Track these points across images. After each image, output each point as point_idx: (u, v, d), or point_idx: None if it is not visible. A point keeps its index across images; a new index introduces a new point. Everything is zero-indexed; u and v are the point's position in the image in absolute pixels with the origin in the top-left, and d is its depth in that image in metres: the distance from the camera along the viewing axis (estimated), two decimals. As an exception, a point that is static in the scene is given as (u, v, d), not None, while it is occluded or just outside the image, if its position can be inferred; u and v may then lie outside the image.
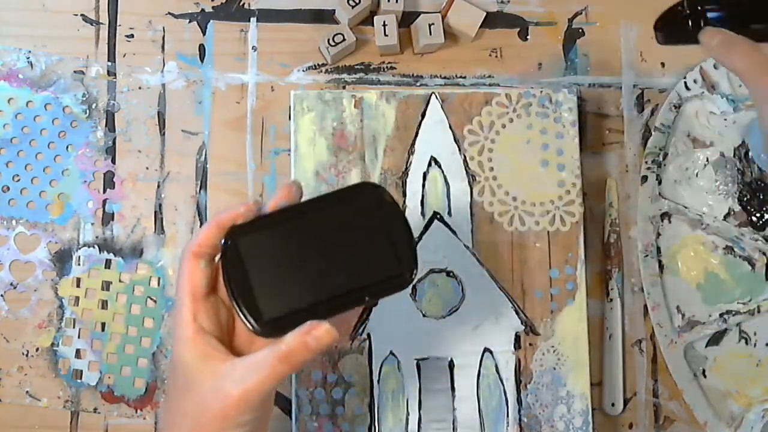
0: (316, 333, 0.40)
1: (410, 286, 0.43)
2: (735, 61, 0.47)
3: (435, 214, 0.58)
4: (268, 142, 0.60)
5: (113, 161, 0.60)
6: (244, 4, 0.62)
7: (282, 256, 0.43)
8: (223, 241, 0.42)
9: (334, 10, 0.61)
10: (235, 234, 0.43)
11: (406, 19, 0.61)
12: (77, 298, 0.58)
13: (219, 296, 0.44)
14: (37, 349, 0.58)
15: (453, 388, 0.57)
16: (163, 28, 0.61)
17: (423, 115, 0.59)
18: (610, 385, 0.58)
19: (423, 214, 0.59)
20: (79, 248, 0.59)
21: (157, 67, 0.61)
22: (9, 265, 0.59)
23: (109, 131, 0.60)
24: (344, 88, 0.61)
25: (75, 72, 0.61)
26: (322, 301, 0.42)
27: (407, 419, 0.57)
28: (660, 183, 0.60)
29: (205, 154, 0.60)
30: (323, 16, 0.62)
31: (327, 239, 0.43)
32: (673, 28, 0.52)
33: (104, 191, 0.59)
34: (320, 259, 0.43)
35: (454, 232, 0.58)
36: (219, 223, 0.42)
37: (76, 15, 0.61)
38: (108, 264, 0.59)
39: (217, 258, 0.43)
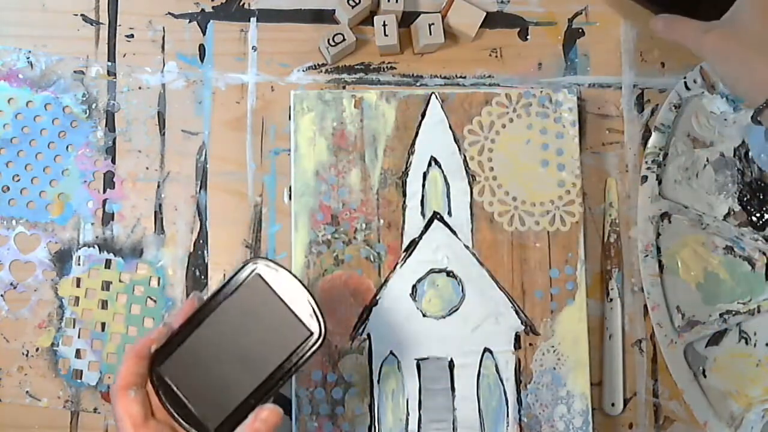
0: (263, 416, 0.43)
1: (320, 345, 0.46)
2: (678, 34, 0.52)
3: (435, 214, 0.58)
4: (268, 142, 0.60)
5: (113, 161, 0.60)
6: (244, 4, 0.62)
7: (203, 365, 0.45)
8: (149, 372, 0.45)
9: (334, 10, 0.61)
10: (156, 361, 0.45)
11: (406, 19, 0.61)
12: (77, 298, 0.58)
13: (158, 418, 0.45)
14: (37, 349, 0.58)
15: (453, 388, 0.57)
16: (163, 28, 0.61)
17: (423, 115, 0.59)
18: (610, 385, 0.58)
19: (423, 214, 0.59)
20: (79, 248, 0.59)
21: (157, 67, 0.61)
22: (9, 265, 0.59)
23: (109, 131, 0.60)
24: (344, 88, 0.61)
25: (75, 72, 0.61)
26: (252, 392, 0.45)
27: (407, 419, 0.57)
28: (660, 183, 0.60)
29: (205, 154, 0.60)
30: (323, 16, 0.62)
31: (235, 332, 0.45)
32: None
33: (104, 191, 0.60)
34: (236, 353, 0.45)
35: (454, 232, 0.58)
36: (137, 353, 0.45)
37: (76, 15, 0.61)
38: (108, 264, 0.59)
39: (147, 385, 0.45)
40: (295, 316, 0.45)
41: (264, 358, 0.45)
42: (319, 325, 0.46)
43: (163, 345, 0.45)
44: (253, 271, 0.46)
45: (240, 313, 0.46)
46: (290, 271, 0.46)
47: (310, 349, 0.45)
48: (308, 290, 0.46)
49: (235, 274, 0.46)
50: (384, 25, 0.59)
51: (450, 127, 0.59)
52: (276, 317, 0.45)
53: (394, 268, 0.58)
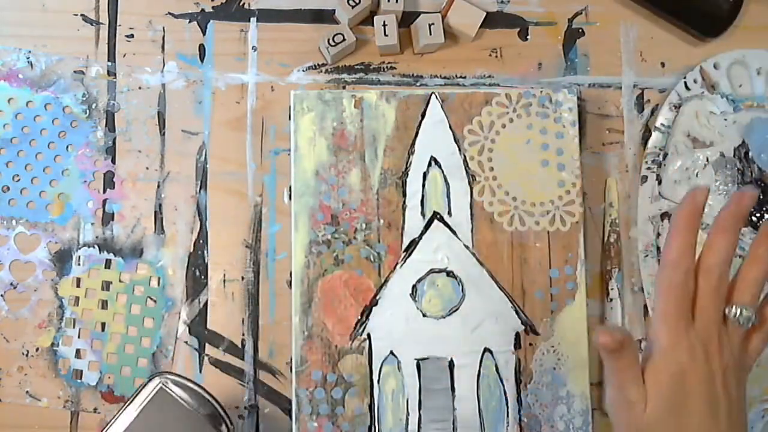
0: None
1: None
2: (612, 363, 0.45)
3: (435, 214, 0.58)
4: (268, 142, 0.60)
5: (113, 161, 0.60)
6: (244, 4, 0.62)
7: None
8: None
9: (334, 10, 0.61)
10: None
11: (406, 19, 0.61)
12: (77, 298, 0.58)
13: None
14: (37, 349, 0.58)
15: (453, 388, 0.57)
16: (163, 28, 0.61)
17: (423, 115, 0.59)
18: (610, 385, 0.58)
19: (423, 214, 0.59)
20: (79, 248, 0.59)
21: (157, 67, 0.61)
22: (9, 265, 0.59)
23: (109, 131, 0.60)
24: (344, 88, 0.61)
25: (75, 72, 0.61)
26: None
27: (407, 419, 0.57)
28: (660, 183, 0.60)
29: (205, 154, 0.60)
30: (323, 16, 0.62)
31: None
32: None
33: (104, 191, 0.60)
34: None
35: (454, 232, 0.58)
36: None
37: (76, 15, 0.61)
38: (108, 264, 0.59)
39: None
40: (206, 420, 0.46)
41: None
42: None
43: None
44: (152, 387, 0.46)
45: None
46: (192, 386, 0.47)
47: None
48: (213, 400, 0.47)
49: (139, 391, 0.46)
50: (384, 25, 0.59)
51: (450, 127, 0.59)
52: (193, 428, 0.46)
53: (394, 268, 0.58)
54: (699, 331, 0.45)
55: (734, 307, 0.45)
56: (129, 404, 0.46)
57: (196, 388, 0.46)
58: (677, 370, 0.44)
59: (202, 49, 0.61)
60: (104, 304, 0.58)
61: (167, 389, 0.46)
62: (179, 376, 0.47)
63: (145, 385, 0.46)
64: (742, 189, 0.46)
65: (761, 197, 0.60)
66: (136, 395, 0.46)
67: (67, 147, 0.60)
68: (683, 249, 0.45)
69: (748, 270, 0.46)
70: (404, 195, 0.59)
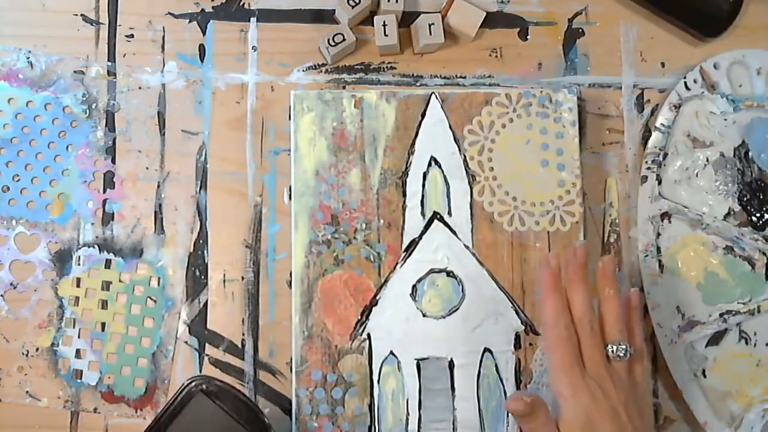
0: None
1: None
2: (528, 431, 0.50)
3: (435, 214, 0.58)
4: (268, 142, 0.60)
5: (113, 161, 0.60)
6: (244, 4, 0.62)
7: None
8: None
9: (334, 10, 0.61)
10: None
11: (406, 19, 0.61)
12: (77, 298, 0.58)
13: None
14: (37, 349, 0.58)
15: (453, 388, 0.57)
16: (163, 28, 0.61)
17: (423, 115, 0.59)
18: (610, 385, 0.58)
19: (423, 214, 0.59)
20: (79, 248, 0.59)
21: (157, 67, 0.61)
22: (9, 265, 0.59)
23: (109, 131, 0.60)
24: (344, 88, 0.61)
25: (75, 72, 0.61)
26: None
27: (407, 419, 0.57)
28: (660, 183, 0.60)
29: (205, 154, 0.60)
30: (323, 16, 0.62)
31: None
32: None
33: (104, 191, 0.60)
34: None
35: (454, 232, 0.58)
36: None
37: (76, 15, 0.61)
38: (108, 264, 0.59)
39: None
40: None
41: None
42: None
43: None
44: (191, 390, 0.47)
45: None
46: (229, 389, 0.47)
47: None
48: (254, 405, 0.47)
49: (177, 395, 0.46)
50: (384, 25, 0.59)
51: (450, 127, 0.59)
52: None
53: (394, 268, 0.58)
54: (592, 374, 0.50)
55: (610, 346, 0.51)
56: (168, 409, 0.46)
57: (240, 396, 0.47)
58: (584, 416, 0.49)
59: (202, 49, 0.61)
60: (104, 304, 0.58)
61: (206, 395, 0.46)
62: (221, 382, 0.47)
63: (185, 388, 0.46)
64: (573, 245, 0.54)
65: (761, 197, 0.60)
66: (175, 399, 0.46)
67: (67, 147, 0.60)
68: (557, 308, 0.51)
69: (606, 311, 0.52)
70: (404, 195, 0.59)
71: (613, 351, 0.51)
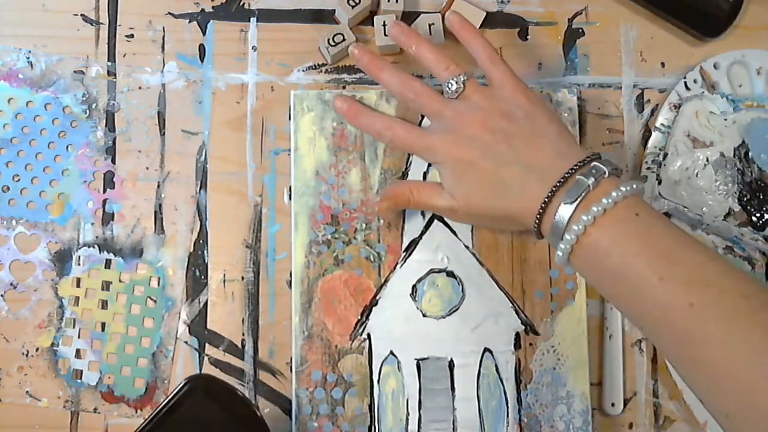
0: None
1: None
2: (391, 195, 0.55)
3: (435, 213, 0.58)
4: (268, 142, 0.60)
5: (113, 161, 0.60)
6: (244, 4, 0.62)
7: None
8: None
9: (334, 10, 0.61)
10: None
11: (406, 19, 0.61)
12: (77, 298, 0.58)
13: None
14: (37, 349, 0.58)
15: (453, 388, 0.57)
16: (163, 28, 0.61)
17: (423, 115, 0.59)
18: (610, 385, 0.58)
19: (423, 214, 0.59)
20: (79, 248, 0.59)
21: (157, 67, 0.61)
22: (9, 265, 0.59)
23: (109, 131, 0.60)
24: (344, 88, 0.61)
25: (75, 72, 0.61)
26: None
27: (407, 419, 0.57)
28: (660, 183, 0.60)
29: (205, 154, 0.60)
30: (323, 16, 0.62)
31: None
32: None
33: (104, 191, 0.60)
34: None
35: (454, 232, 0.58)
36: None
37: (76, 15, 0.61)
38: (108, 264, 0.59)
39: None
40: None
41: None
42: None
43: None
44: (194, 385, 0.46)
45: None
46: (228, 387, 0.47)
47: None
48: (251, 403, 0.47)
49: (178, 390, 0.46)
50: (384, 25, 0.59)
51: (450, 127, 0.59)
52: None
53: (394, 268, 0.58)
54: (446, 119, 0.52)
55: (443, 87, 0.53)
56: (166, 404, 0.46)
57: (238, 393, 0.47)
58: (451, 158, 0.51)
59: (202, 49, 0.61)
60: (104, 304, 0.58)
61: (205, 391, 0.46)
62: (218, 379, 0.47)
63: (182, 386, 0.46)
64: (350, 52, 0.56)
65: (761, 197, 0.60)
66: (172, 397, 0.46)
67: (67, 147, 0.60)
68: (399, 75, 0.55)
69: (423, 63, 0.54)
70: (404, 195, 0.59)
71: (447, 91, 0.53)
